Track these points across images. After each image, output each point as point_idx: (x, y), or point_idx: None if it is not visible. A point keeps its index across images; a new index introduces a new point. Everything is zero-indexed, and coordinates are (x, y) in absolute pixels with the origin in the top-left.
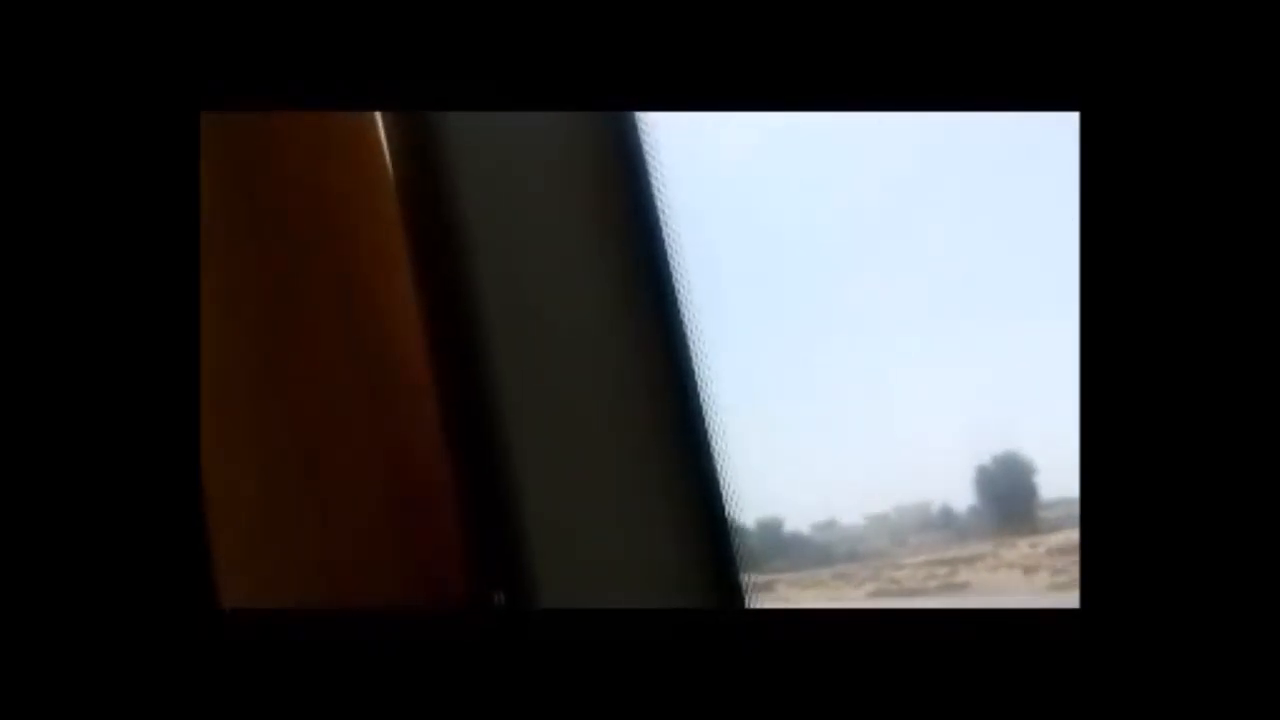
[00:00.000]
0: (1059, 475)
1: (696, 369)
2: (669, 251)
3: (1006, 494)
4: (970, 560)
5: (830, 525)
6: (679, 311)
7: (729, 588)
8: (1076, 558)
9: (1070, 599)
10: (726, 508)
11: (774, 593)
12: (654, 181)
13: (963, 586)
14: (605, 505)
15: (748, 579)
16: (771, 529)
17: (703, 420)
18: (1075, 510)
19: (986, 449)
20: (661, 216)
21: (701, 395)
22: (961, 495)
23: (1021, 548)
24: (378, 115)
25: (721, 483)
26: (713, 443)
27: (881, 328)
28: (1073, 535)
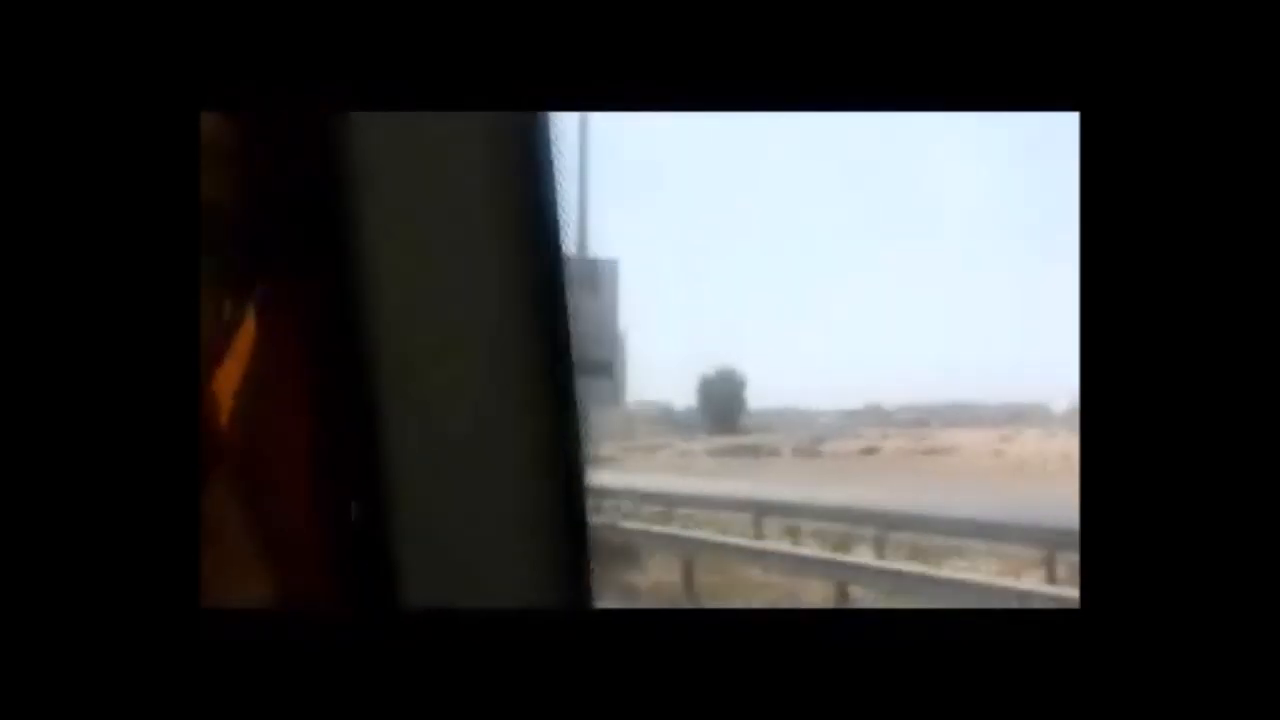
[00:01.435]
0: (765, 389)
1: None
2: (564, 249)
3: (720, 400)
4: (656, 449)
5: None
6: (566, 307)
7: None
8: (732, 455)
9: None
10: (586, 513)
11: None
12: (558, 178)
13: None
14: (473, 500)
15: (595, 586)
16: None
17: (576, 424)
18: (771, 419)
19: (714, 361)
20: (562, 215)
21: (578, 399)
22: (686, 398)
23: (700, 441)
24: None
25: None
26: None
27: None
28: (759, 438)
